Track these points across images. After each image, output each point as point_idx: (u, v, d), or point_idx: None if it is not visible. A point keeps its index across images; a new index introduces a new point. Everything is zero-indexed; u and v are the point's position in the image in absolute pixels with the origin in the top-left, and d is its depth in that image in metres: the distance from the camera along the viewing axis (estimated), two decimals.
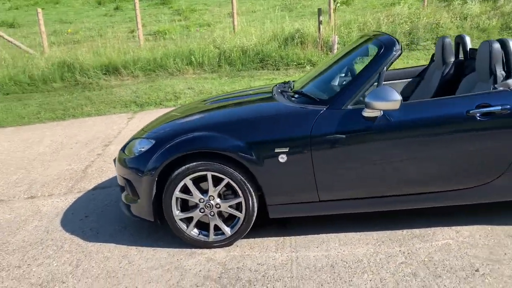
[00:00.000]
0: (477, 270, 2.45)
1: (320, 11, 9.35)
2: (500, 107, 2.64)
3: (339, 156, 2.74)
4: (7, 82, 9.12)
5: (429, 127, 2.69)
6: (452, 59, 3.63)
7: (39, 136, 6.45)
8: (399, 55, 2.83)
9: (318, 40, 9.43)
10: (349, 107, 2.77)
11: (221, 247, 2.95)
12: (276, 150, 2.74)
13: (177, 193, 2.85)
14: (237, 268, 2.69)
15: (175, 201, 2.87)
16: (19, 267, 2.93)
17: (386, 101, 2.57)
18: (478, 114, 2.65)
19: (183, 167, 2.80)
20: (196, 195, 2.86)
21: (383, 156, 2.73)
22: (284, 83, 3.67)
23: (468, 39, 3.63)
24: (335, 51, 9.27)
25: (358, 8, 12.99)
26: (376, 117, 2.69)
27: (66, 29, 12.82)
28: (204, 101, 3.81)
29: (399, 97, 2.57)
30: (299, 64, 9.22)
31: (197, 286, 2.55)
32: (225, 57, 9.52)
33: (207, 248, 2.95)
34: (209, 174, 2.81)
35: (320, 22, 9.36)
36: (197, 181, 2.88)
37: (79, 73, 9.29)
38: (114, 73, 9.37)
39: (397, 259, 2.63)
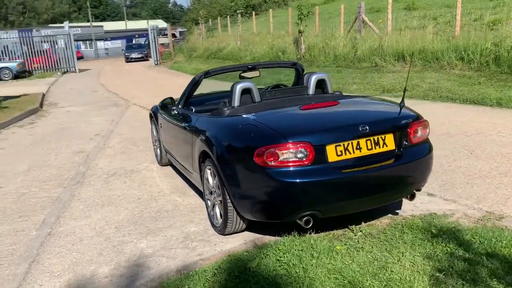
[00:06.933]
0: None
1: None
2: (187, 124, 4.09)
3: (165, 129, 5.03)
4: (337, 57, 12.62)
5: (183, 128, 4.47)
6: None
7: None
8: (197, 81, 4.51)
9: None
10: (180, 106, 4.84)
11: None
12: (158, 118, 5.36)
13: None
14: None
15: None
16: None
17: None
18: (187, 127, 4.19)
19: None
20: None
21: (173, 135, 4.76)
22: None
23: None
24: None
25: None
26: (174, 114, 4.72)
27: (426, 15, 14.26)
28: None
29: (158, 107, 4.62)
30: None
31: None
32: (496, 56, 8.87)
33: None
34: None
35: None
36: None
37: (380, 57, 11.44)
38: (400, 60, 10.87)
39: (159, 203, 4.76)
